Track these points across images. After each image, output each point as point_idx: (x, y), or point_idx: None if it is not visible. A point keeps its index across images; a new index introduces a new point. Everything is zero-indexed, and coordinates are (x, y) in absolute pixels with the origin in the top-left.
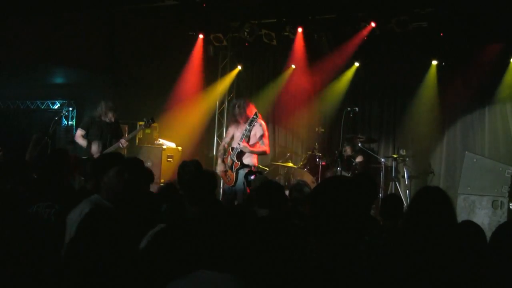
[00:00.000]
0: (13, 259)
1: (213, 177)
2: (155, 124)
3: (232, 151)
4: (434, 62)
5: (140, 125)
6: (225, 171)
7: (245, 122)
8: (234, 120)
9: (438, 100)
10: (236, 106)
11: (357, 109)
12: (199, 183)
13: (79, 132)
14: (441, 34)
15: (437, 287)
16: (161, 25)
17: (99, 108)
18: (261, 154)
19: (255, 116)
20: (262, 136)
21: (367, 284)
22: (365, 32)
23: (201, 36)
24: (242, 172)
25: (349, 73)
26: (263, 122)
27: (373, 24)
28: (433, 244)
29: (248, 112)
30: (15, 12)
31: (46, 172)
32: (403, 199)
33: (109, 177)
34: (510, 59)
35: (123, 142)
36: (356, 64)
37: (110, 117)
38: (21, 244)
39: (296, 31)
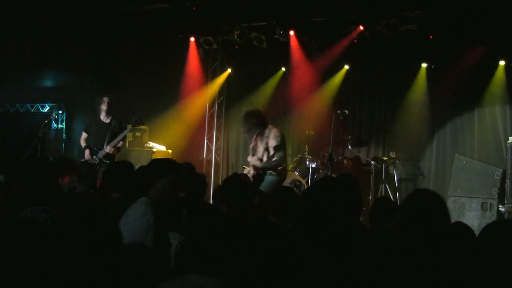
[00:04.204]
0: (10, 262)
1: (204, 181)
2: (144, 127)
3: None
4: (424, 65)
5: (129, 127)
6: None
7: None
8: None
9: (427, 102)
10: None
11: (347, 111)
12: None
13: (82, 135)
14: (431, 37)
15: None
16: (151, 28)
17: (96, 106)
18: (275, 167)
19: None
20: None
21: (359, 286)
22: (355, 35)
23: (192, 39)
24: (269, 177)
25: (339, 76)
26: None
27: (362, 27)
28: (426, 246)
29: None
30: (4, 15)
31: (38, 177)
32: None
33: (163, 184)
34: (498, 61)
35: (108, 150)
36: (346, 66)
37: (104, 112)
38: (19, 247)
39: (287, 34)
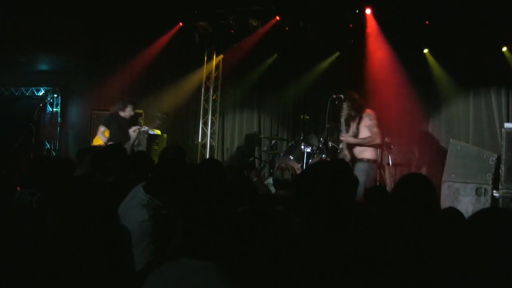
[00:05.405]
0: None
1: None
2: (139, 111)
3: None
4: (426, 51)
5: (157, 121)
6: None
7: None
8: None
9: (423, 88)
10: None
11: (342, 96)
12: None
13: (100, 129)
14: (427, 23)
15: (419, 273)
16: (147, 12)
17: (118, 105)
18: (367, 144)
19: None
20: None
21: (353, 268)
22: (349, 20)
23: (180, 24)
24: (359, 165)
25: (334, 61)
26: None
27: (370, 10)
28: (415, 230)
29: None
30: None
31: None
32: (387, 186)
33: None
34: (497, 47)
35: (131, 131)
36: (339, 52)
37: (128, 111)
38: (5, 231)
39: (281, 17)
